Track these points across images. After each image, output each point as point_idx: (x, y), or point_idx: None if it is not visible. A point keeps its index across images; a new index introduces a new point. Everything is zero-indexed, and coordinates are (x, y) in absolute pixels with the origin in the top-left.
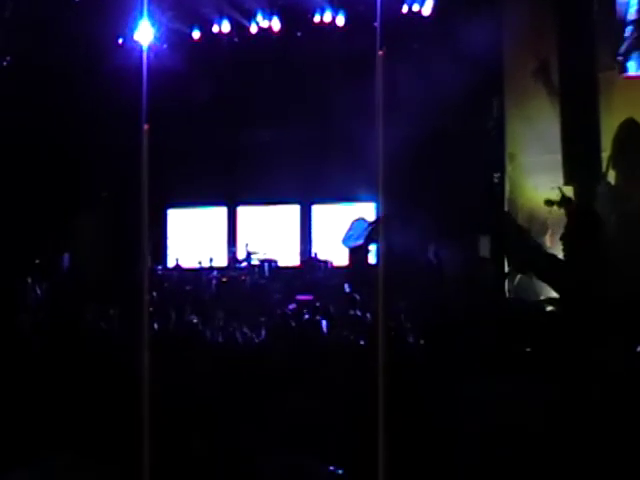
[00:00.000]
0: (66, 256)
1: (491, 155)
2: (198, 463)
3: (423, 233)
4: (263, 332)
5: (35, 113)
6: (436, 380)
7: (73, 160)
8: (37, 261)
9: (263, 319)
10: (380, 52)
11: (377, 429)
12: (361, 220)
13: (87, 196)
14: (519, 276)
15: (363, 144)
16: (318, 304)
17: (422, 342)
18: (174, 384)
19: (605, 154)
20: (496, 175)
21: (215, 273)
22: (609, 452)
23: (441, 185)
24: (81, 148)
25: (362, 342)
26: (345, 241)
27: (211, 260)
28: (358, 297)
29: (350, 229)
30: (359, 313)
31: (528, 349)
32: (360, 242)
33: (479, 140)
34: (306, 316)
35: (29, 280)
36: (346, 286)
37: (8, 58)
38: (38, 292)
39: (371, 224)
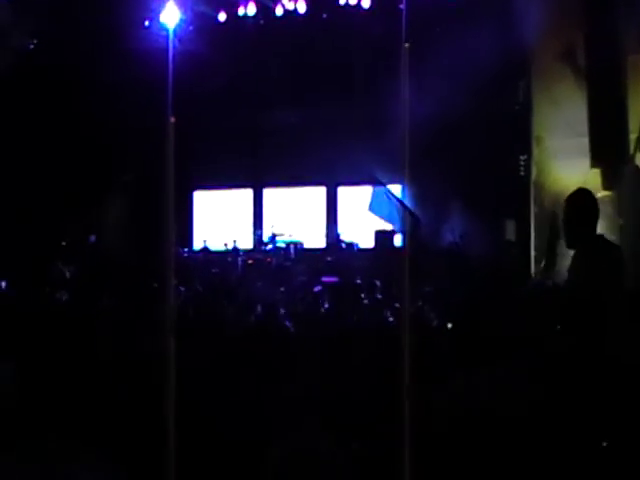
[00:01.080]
0: (92, 238)
1: (518, 138)
2: (221, 446)
3: (448, 216)
4: (289, 314)
5: (60, 97)
6: (461, 364)
7: (99, 143)
8: (63, 243)
9: (289, 301)
10: (406, 45)
11: (402, 415)
12: (382, 190)
13: (113, 179)
14: (545, 259)
15: (389, 126)
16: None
17: (447, 326)
18: (199, 367)
19: (633, 136)
20: (522, 158)
21: (241, 255)
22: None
23: (467, 168)
24: (107, 131)
25: (385, 326)
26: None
27: (235, 242)
28: (379, 283)
29: (372, 197)
30: (380, 297)
31: (554, 332)
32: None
33: (506, 123)
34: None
35: (57, 262)
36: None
37: (35, 41)
38: (66, 274)
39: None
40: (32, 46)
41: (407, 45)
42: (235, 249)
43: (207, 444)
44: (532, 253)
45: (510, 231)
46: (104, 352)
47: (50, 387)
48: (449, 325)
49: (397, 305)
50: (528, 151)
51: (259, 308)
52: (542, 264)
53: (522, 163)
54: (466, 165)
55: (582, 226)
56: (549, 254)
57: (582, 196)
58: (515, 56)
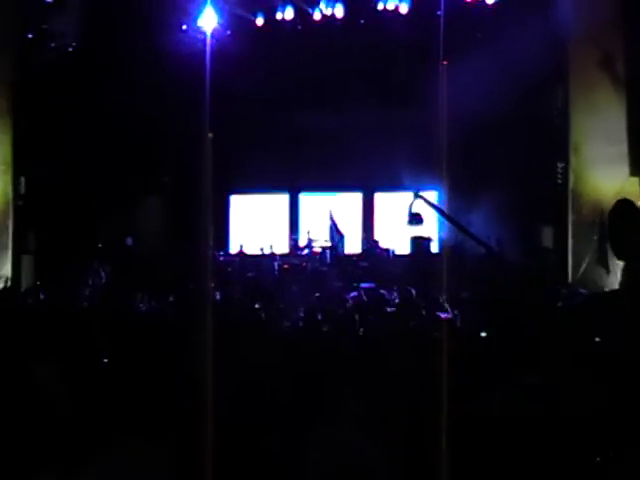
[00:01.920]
0: (129, 240)
1: (555, 146)
2: (258, 448)
3: (486, 222)
4: (325, 319)
5: (98, 99)
6: (498, 369)
7: (137, 145)
8: (100, 245)
9: (324, 306)
10: (444, 62)
11: (440, 419)
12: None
13: (150, 181)
14: (583, 267)
15: (426, 132)
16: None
17: (484, 332)
18: (236, 370)
19: None
20: (560, 166)
21: (277, 260)
22: None
23: (504, 175)
24: (145, 133)
25: (422, 331)
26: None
27: (271, 247)
28: (414, 291)
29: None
30: (419, 301)
31: (594, 340)
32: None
33: (544, 131)
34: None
35: (93, 263)
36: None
37: (74, 44)
38: (102, 275)
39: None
40: (70, 49)
41: (444, 59)
42: (272, 254)
43: (249, 442)
44: (569, 260)
45: (547, 238)
46: (142, 352)
47: (95, 385)
48: (483, 334)
49: (434, 311)
50: (566, 158)
51: (294, 313)
52: (580, 271)
53: (560, 170)
54: (504, 172)
55: (631, 235)
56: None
57: (627, 205)
58: (553, 63)
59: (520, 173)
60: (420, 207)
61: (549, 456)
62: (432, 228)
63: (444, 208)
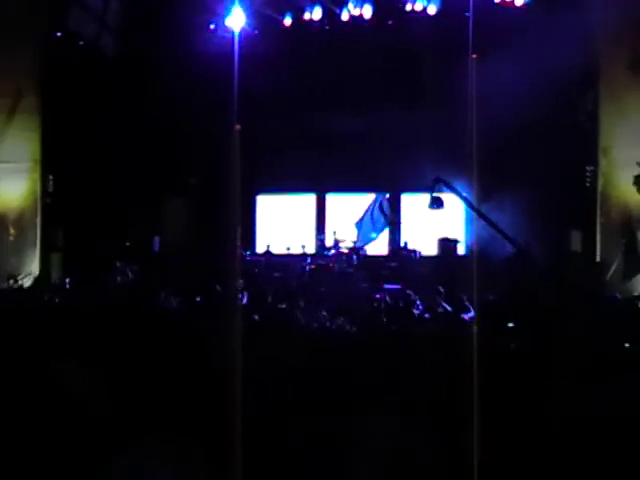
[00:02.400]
0: (156, 239)
1: (585, 149)
2: (286, 446)
3: (514, 225)
4: (351, 320)
5: (126, 98)
6: (527, 372)
7: (164, 144)
8: (127, 244)
9: (351, 307)
10: (474, 55)
11: (471, 421)
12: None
13: (177, 181)
14: (612, 270)
15: (454, 134)
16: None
17: (513, 335)
18: (263, 370)
19: None
20: (589, 169)
21: (303, 260)
22: None
23: (534, 177)
24: (172, 133)
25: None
26: None
27: (303, 247)
28: (442, 289)
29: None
30: (445, 304)
31: (624, 344)
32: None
33: (573, 133)
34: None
35: (121, 262)
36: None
37: (102, 43)
38: (130, 274)
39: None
40: (100, 48)
41: (474, 54)
42: (304, 253)
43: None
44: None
45: (576, 241)
46: (169, 351)
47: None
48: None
49: (460, 313)
50: (595, 161)
51: (321, 313)
52: (609, 275)
53: (589, 174)
54: (532, 175)
55: None
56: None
57: None
58: (583, 66)
59: (549, 176)
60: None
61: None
62: (459, 230)
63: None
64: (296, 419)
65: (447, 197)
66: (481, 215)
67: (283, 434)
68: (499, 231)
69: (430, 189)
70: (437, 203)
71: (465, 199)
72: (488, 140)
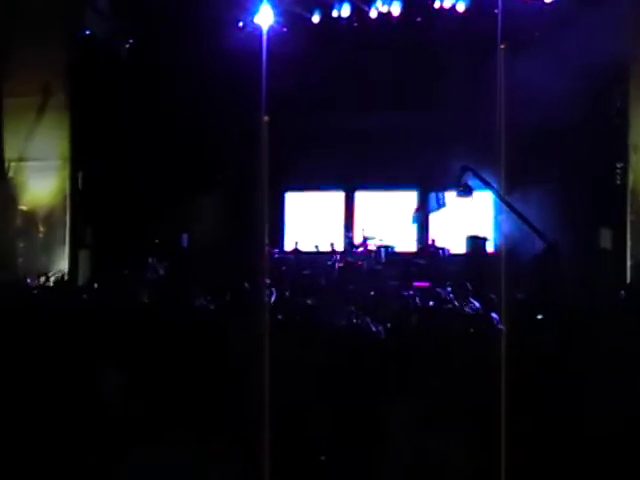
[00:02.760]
0: (184, 237)
1: (614, 146)
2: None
3: (543, 223)
4: (380, 318)
5: (155, 96)
6: (554, 369)
7: (193, 141)
8: (156, 241)
9: (380, 305)
10: (502, 46)
11: (499, 419)
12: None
13: (206, 179)
14: None
15: (483, 131)
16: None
17: (541, 332)
18: (292, 368)
19: None
20: (619, 166)
21: (332, 258)
22: None
23: (563, 175)
24: (201, 130)
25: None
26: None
27: (331, 245)
28: (471, 287)
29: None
30: (474, 302)
31: None
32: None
33: (602, 131)
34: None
35: (151, 260)
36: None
37: (131, 41)
38: (160, 272)
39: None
40: (127, 45)
41: (502, 48)
42: (333, 250)
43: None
44: (628, 262)
45: (606, 239)
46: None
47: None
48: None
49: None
50: (625, 159)
51: (350, 311)
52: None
53: (619, 171)
54: (562, 172)
55: None
56: None
57: None
58: (613, 62)
59: (578, 173)
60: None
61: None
62: (488, 228)
63: (500, 207)
64: (323, 417)
65: (476, 194)
66: (509, 205)
67: (310, 432)
68: (527, 223)
69: (458, 177)
70: (465, 191)
71: (493, 188)
72: (516, 136)
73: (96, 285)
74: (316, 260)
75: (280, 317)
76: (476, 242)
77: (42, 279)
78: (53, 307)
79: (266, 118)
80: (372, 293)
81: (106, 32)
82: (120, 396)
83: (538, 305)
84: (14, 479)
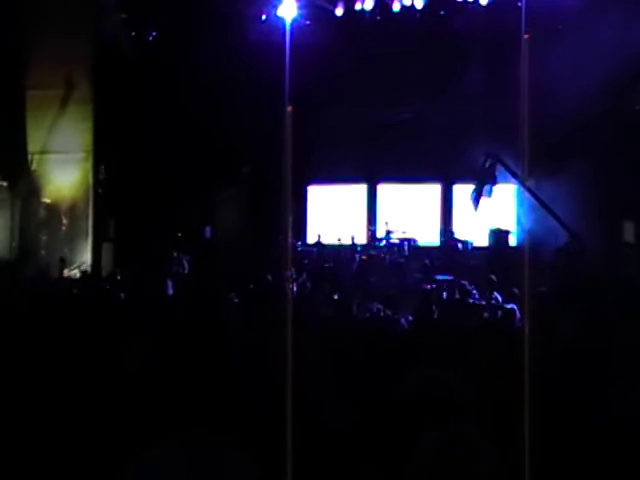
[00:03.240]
0: (207, 229)
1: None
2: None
3: (568, 216)
4: (403, 311)
5: (178, 88)
6: (579, 363)
7: (216, 134)
8: (179, 234)
9: (403, 298)
10: (526, 36)
11: (522, 409)
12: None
13: (229, 171)
14: None
15: (508, 125)
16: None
17: (564, 326)
18: (314, 360)
19: None
20: None
21: (355, 251)
22: None
23: (587, 169)
24: (224, 123)
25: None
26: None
27: (353, 238)
28: (495, 279)
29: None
30: (497, 295)
31: None
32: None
33: (627, 124)
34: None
35: (175, 253)
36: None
37: (154, 34)
38: (185, 264)
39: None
40: (150, 37)
41: (526, 38)
42: (353, 244)
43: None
44: None
45: (629, 233)
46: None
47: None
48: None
49: (511, 304)
50: None
51: (373, 303)
52: None
53: None
54: (586, 166)
55: None
56: None
57: None
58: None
59: (602, 167)
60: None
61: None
62: (511, 221)
63: (525, 199)
64: (346, 409)
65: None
66: (533, 195)
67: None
68: (551, 214)
69: (482, 165)
70: (489, 179)
71: (517, 177)
72: (543, 129)
73: (119, 277)
74: (339, 253)
75: (302, 309)
76: (499, 235)
77: (66, 271)
78: (80, 299)
79: (289, 109)
80: (395, 286)
81: (129, 26)
82: (150, 388)
83: (561, 298)
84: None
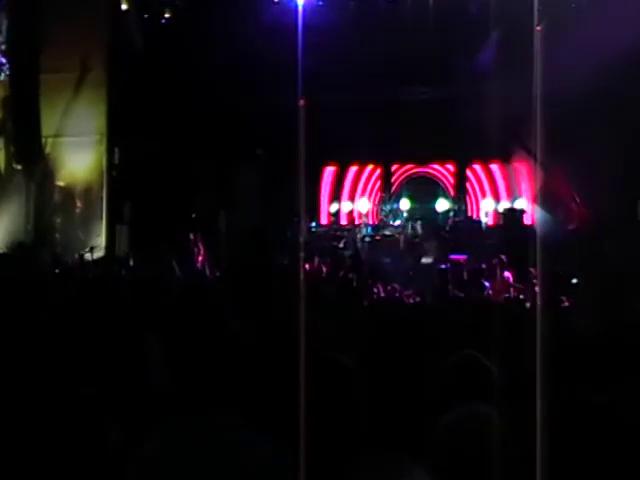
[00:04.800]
0: (222, 212)
1: None
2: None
3: (583, 197)
4: (417, 290)
5: (191, 70)
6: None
7: (230, 117)
8: (193, 215)
9: (417, 278)
10: (538, 28)
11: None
12: None
13: (244, 153)
14: None
15: (522, 106)
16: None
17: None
18: (328, 339)
19: None
20: None
21: (369, 231)
22: None
23: (602, 147)
24: (238, 105)
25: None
26: None
27: (366, 218)
28: (506, 260)
29: None
30: (508, 275)
31: None
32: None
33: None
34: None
35: (190, 235)
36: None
37: (167, 15)
38: (200, 247)
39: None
40: (164, 20)
41: (539, 27)
42: (369, 224)
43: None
44: None
45: None
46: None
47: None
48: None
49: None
50: None
51: (387, 283)
52: None
53: None
54: (601, 145)
55: None
56: None
57: None
58: None
59: (618, 146)
60: None
61: None
62: (526, 201)
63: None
64: (362, 393)
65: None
66: (549, 174)
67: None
68: (567, 193)
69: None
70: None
71: (533, 155)
72: (554, 111)
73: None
74: (353, 234)
75: (317, 289)
76: (513, 214)
77: (84, 254)
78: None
79: (302, 102)
80: (410, 266)
81: (142, 8)
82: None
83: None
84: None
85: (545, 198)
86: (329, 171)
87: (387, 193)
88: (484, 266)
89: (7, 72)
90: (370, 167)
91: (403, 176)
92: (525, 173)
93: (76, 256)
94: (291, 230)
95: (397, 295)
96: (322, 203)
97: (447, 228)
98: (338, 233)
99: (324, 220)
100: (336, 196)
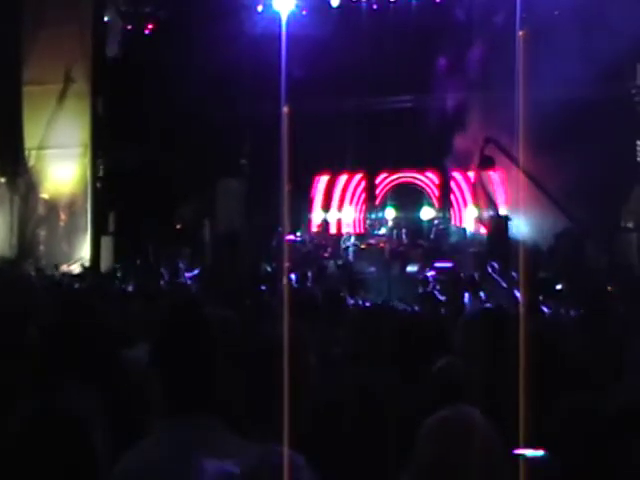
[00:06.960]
0: (206, 222)
1: (636, 123)
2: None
3: (566, 201)
4: (403, 299)
5: (175, 82)
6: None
7: (214, 127)
8: (178, 226)
9: (403, 286)
10: (521, 33)
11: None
12: None
13: (227, 164)
14: None
15: (506, 112)
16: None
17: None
18: (319, 349)
19: None
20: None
21: (354, 240)
22: None
23: (584, 155)
24: (222, 116)
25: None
26: None
27: (350, 227)
28: (496, 266)
29: None
30: (500, 280)
31: None
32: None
33: (623, 107)
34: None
35: (176, 246)
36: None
37: (150, 26)
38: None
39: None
40: (148, 32)
41: (521, 31)
42: (354, 233)
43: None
44: None
45: (627, 218)
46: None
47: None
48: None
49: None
50: None
51: (372, 292)
52: None
53: (639, 148)
54: (584, 151)
55: None
56: None
57: None
58: (634, 40)
59: (600, 151)
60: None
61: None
62: (510, 206)
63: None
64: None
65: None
66: (532, 180)
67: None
68: (551, 199)
69: (480, 149)
70: (487, 162)
71: (515, 160)
72: (540, 117)
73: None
74: (338, 243)
75: (301, 299)
76: (498, 220)
77: (65, 267)
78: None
79: (286, 110)
80: (395, 274)
81: (126, 18)
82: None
83: (560, 283)
84: None
85: (527, 204)
86: (318, 180)
87: (371, 202)
88: (470, 273)
89: None
90: (359, 176)
91: (388, 185)
92: (500, 181)
93: (62, 268)
94: (276, 239)
95: (378, 303)
96: (308, 213)
97: (432, 236)
98: (324, 242)
99: (311, 229)
100: (323, 206)
